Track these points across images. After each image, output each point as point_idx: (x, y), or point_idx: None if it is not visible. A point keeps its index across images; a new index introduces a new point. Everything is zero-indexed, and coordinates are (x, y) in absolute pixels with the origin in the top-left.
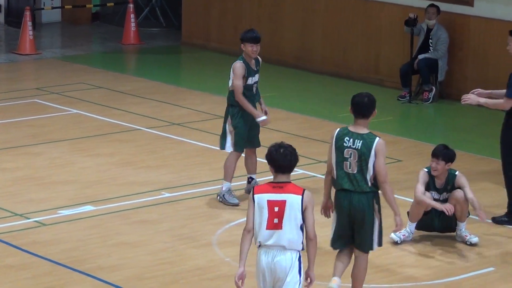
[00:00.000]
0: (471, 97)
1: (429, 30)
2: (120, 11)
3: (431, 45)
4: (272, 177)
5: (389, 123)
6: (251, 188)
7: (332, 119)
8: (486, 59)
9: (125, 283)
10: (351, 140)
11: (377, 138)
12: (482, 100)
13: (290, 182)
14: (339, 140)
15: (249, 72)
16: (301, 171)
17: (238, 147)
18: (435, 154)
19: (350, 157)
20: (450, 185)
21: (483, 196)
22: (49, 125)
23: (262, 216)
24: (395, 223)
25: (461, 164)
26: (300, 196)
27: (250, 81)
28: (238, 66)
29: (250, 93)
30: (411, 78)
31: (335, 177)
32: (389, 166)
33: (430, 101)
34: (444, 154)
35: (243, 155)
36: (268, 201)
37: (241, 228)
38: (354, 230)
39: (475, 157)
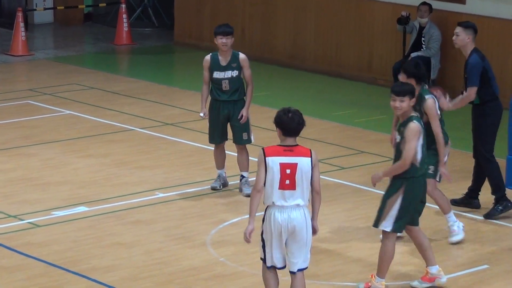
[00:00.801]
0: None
1: (421, 28)
2: (112, 11)
3: (423, 43)
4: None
5: (382, 121)
6: (242, 186)
7: (326, 118)
8: None
9: (120, 283)
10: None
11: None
12: (451, 104)
13: (297, 144)
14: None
15: (215, 66)
16: None
17: (210, 139)
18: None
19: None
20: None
21: None
22: (42, 126)
23: (274, 178)
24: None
25: (454, 162)
26: (310, 158)
27: (217, 75)
28: (204, 58)
29: (218, 87)
30: None
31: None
32: (383, 164)
33: None
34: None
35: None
36: (281, 164)
37: (234, 228)
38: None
39: (468, 154)
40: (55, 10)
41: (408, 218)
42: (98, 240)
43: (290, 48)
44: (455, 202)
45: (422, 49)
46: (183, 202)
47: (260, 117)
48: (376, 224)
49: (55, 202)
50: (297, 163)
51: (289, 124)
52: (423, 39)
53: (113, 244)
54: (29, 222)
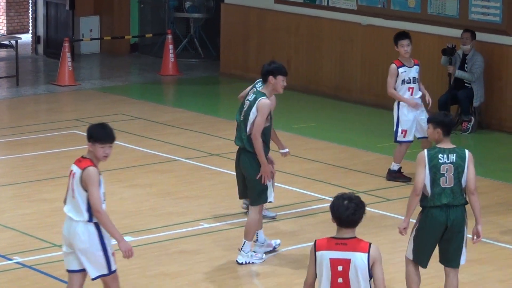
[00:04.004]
0: None
1: (464, 55)
2: (159, 42)
3: (466, 70)
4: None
5: None
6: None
7: (371, 149)
8: None
9: None
10: (445, 156)
11: (467, 150)
12: None
13: (355, 237)
14: (433, 159)
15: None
16: None
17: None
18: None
19: (446, 172)
20: None
21: None
22: None
23: (324, 275)
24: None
25: (500, 194)
26: (366, 254)
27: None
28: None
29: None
30: (449, 108)
31: (428, 195)
32: None
33: (469, 131)
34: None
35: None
36: (331, 260)
37: (279, 259)
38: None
39: None
40: (101, 41)
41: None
42: (143, 270)
43: (336, 80)
44: None
45: (465, 70)
46: (228, 232)
47: (305, 148)
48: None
49: None
50: (350, 259)
51: (342, 214)
52: (466, 66)
53: (158, 274)
54: None
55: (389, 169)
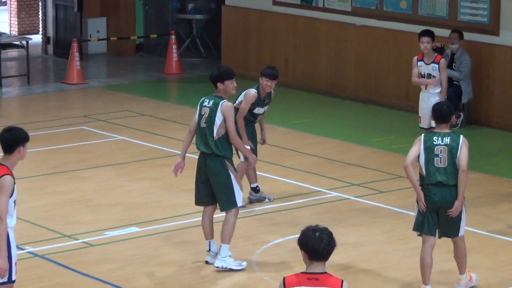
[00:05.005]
0: None
1: (453, 55)
2: (163, 42)
3: (454, 68)
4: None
5: None
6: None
7: (365, 144)
8: None
9: None
10: (439, 138)
11: (462, 135)
12: None
13: (325, 272)
14: (428, 141)
15: (257, 103)
16: (335, 194)
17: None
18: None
19: (441, 153)
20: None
21: (509, 217)
22: (96, 151)
23: None
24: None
25: (488, 186)
26: None
27: (257, 111)
28: (253, 94)
29: (253, 119)
30: None
31: (424, 174)
32: None
33: (458, 126)
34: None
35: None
36: None
37: (278, 249)
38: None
39: (501, 179)
40: (108, 41)
41: None
42: (149, 259)
43: (332, 77)
44: None
45: (453, 69)
46: None
47: (302, 142)
48: (458, 232)
49: (108, 223)
50: None
51: (316, 246)
52: (454, 64)
53: (163, 263)
54: (83, 242)
55: None
